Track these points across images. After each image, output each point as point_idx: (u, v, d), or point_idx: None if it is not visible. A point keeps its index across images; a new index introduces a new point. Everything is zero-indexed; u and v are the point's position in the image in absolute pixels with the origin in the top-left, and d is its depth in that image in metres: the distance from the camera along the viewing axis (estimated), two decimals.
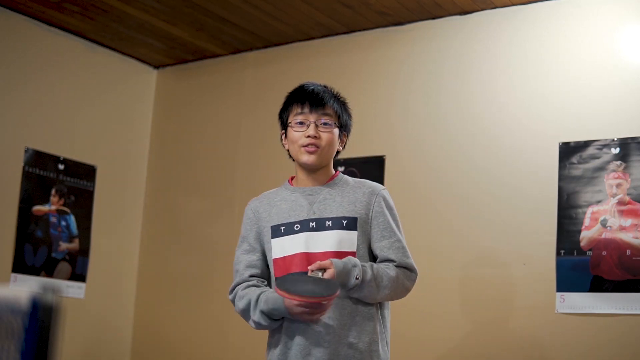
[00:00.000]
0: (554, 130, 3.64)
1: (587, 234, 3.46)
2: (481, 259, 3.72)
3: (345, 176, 2.52)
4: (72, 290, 4.36)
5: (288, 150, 2.51)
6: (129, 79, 4.82)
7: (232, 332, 4.37)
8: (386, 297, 2.38)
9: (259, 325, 2.38)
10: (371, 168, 4.09)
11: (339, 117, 2.47)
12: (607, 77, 3.57)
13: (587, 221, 3.47)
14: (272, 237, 2.43)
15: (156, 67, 4.94)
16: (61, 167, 4.36)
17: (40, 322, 1.16)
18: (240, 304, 2.40)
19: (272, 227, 2.44)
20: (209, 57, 4.75)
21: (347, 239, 2.37)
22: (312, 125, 2.42)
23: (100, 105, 4.64)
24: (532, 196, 3.63)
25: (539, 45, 3.78)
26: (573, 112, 3.62)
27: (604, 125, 3.53)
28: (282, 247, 2.40)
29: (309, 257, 2.35)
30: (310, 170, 2.46)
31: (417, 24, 4.10)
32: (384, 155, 4.06)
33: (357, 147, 4.17)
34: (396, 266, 2.38)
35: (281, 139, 2.55)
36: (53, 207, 4.30)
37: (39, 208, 4.24)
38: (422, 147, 4.00)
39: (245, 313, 2.40)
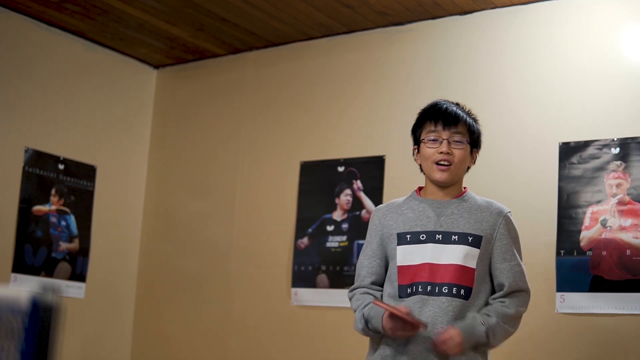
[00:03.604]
0: (554, 130, 3.64)
1: (587, 234, 3.46)
2: None
3: (473, 194, 2.62)
4: (72, 290, 4.36)
5: (420, 165, 2.62)
6: (129, 79, 4.82)
7: (231, 332, 4.37)
8: (510, 335, 2.55)
9: (356, 325, 2.55)
10: (371, 168, 4.09)
11: (470, 135, 2.57)
12: (607, 77, 3.57)
13: (587, 221, 3.47)
14: (398, 244, 2.52)
15: (156, 67, 4.94)
16: (61, 167, 4.36)
17: (40, 322, 1.16)
18: (355, 304, 2.56)
19: (398, 234, 2.53)
20: (209, 57, 4.75)
21: (471, 255, 2.48)
22: (445, 142, 2.52)
23: (100, 105, 4.64)
24: (532, 196, 3.63)
25: (539, 45, 3.77)
26: (573, 112, 3.62)
27: (604, 125, 3.53)
28: (408, 255, 2.51)
29: (432, 268, 2.46)
30: (441, 186, 2.56)
31: (417, 24, 4.10)
32: (384, 155, 4.06)
33: (357, 147, 4.18)
34: (510, 292, 2.51)
35: (413, 154, 2.65)
36: (53, 207, 4.30)
37: (39, 208, 4.23)
38: None
39: (356, 312, 2.56)
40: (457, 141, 2.53)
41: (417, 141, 2.61)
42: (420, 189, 2.64)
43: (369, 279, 2.58)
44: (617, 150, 3.46)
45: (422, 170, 2.62)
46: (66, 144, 4.42)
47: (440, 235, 2.48)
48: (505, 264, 2.52)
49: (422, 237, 2.50)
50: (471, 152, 2.59)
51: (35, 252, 4.19)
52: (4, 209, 4.09)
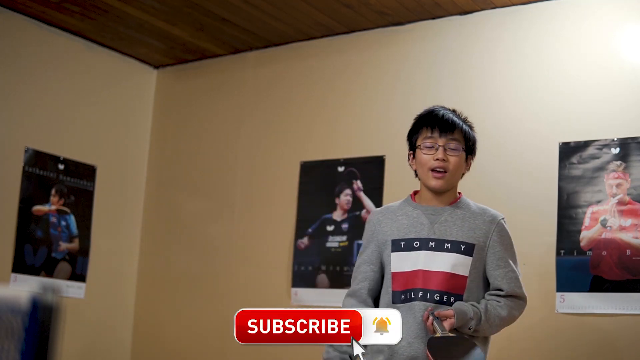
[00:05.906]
0: (554, 130, 3.64)
1: (587, 234, 3.46)
2: None
3: (468, 200, 2.63)
4: (72, 290, 4.36)
5: (415, 171, 2.62)
6: (129, 79, 4.82)
7: (231, 333, 4.36)
8: (494, 333, 2.57)
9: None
10: (371, 168, 4.09)
11: (466, 142, 2.58)
12: (607, 77, 3.57)
13: (587, 221, 3.47)
14: (392, 251, 2.54)
15: (156, 67, 4.94)
16: (61, 167, 4.36)
17: (40, 322, 1.16)
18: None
19: (392, 240, 2.55)
20: (209, 57, 4.75)
21: (462, 264, 2.50)
22: (441, 149, 2.53)
23: (100, 105, 4.64)
24: (532, 196, 3.63)
25: (539, 45, 3.77)
26: (573, 112, 3.62)
27: (604, 125, 3.53)
28: (402, 262, 2.52)
29: (425, 275, 2.48)
30: (436, 192, 2.57)
31: (417, 24, 4.10)
32: (384, 155, 4.06)
33: (357, 147, 4.18)
34: (505, 295, 2.54)
35: (408, 159, 2.66)
36: (53, 207, 4.30)
37: (39, 208, 4.24)
38: None
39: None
40: (452, 148, 2.54)
41: (412, 147, 2.63)
42: (415, 192, 2.66)
43: (363, 284, 2.59)
44: (617, 150, 3.46)
45: (417, 175, 2.63)
46: (66, 144, 4.42)
47: (434, 243, 2.51)
48: (499, 270, 2.54)
49: (416, 244, 2.52)
50: (466, 158, 2.60)
51: (35, 252, 4.19)
52: (4, 209, 4.09)
